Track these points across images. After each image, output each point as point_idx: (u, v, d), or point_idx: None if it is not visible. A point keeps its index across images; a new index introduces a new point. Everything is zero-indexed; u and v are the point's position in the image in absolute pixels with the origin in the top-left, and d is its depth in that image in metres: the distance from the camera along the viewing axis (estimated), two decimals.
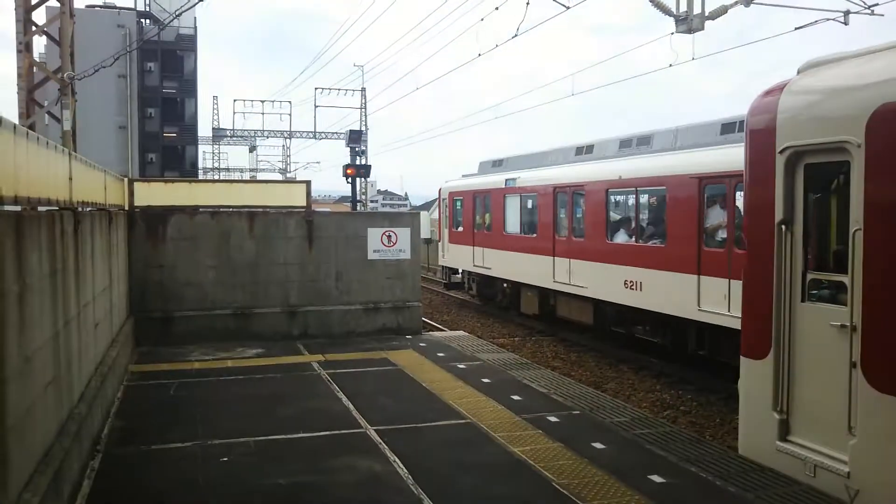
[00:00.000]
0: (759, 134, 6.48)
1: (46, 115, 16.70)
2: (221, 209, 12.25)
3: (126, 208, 11.53)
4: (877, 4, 11.53)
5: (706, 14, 10.71)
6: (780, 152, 6.16)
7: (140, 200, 11.84)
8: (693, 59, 12.97)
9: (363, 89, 54.90)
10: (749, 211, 6.83)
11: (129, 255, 11.42)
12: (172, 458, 6.45)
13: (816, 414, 5.98)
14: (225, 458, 6.45)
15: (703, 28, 10.81)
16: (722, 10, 10.79)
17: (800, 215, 6.14)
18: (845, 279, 5.64)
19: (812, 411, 6.03)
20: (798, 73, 6.37)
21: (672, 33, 11.08)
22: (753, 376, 6.57)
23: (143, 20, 50.14)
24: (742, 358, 6.74)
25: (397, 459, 6.37)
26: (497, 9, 13.58)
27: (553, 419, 7.59)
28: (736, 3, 10.47)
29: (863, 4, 11.53)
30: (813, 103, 6.12)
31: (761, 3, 10.51)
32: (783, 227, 6.17)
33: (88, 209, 7.48)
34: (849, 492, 5.53)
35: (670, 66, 13.69)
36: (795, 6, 11.98)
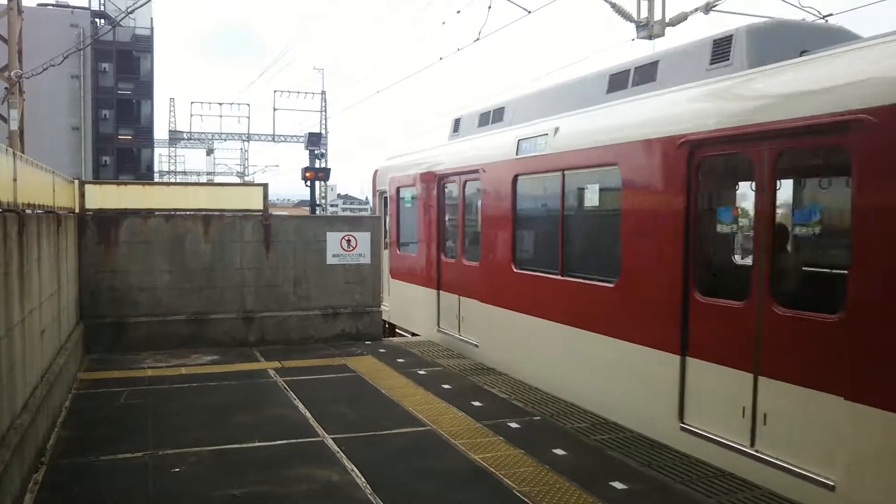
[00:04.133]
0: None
1: None
2: (176, 213, 11.98)
3: (77, 211, 11.21)
4: (831, 15, 11.71)
5: (667, 20, 10.79)
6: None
7: (92, 203, 11.51)
8: None
9: (323, 92, 54.63)
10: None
11: (80, 260, 11.10)
12: (121, 470, 6.23)
13: None
14: (177, 469, 6.24)
15: (663, 34, 10.89)
16: (682, 17, 10.88)
17: None
18: None
19: None
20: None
21: (633, 39, 11.13)
22: None
23: (97, 20, 49.21)
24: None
25: (355, 468, 6.23)
26: (458, 12, 13.53)
27: (514, 425, 7.52)
28: (696, 10, 10.54)
29: (817, 14, 11.69)
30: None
31: (720, 11, 10.59)
32: None
33: (35, 212, 7.22)
34: None
35: None
36: (753, 14, 12.10)
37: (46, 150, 34.87)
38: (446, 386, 9.18)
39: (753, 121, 6.21)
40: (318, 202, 21.50)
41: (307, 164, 30.85)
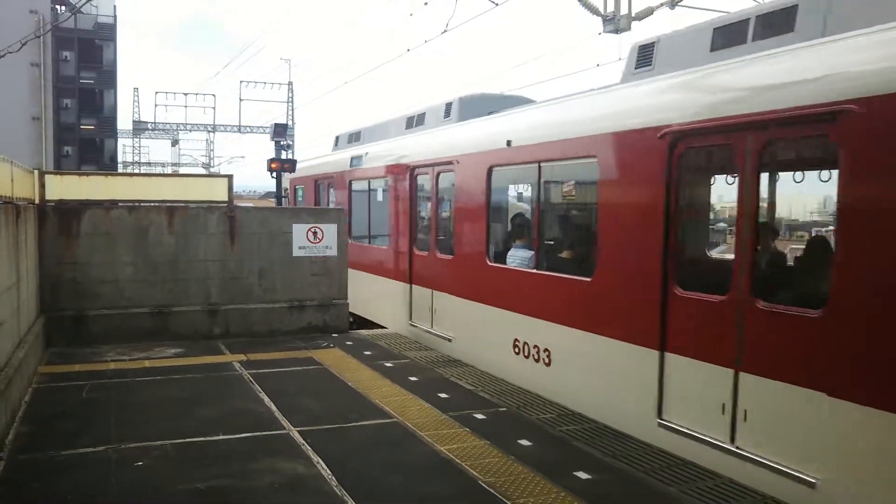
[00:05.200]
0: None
1: None
2: (140, 204, 11.81)
3: (37, 202, 10.99)
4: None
5: (633, 15, 10.86)
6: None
7: (52, 194, 11.29)
8: (620, 59, 13.13)
9: (290, 83, 54.21)
10: None
11: (40, 251, 10.89)
12: (83, 464, 6.14)
13: None
14: (140, 463, 6.17)
15: (629, 28, 10.97)
16: (648, 12, 10.96)
17: None
18: None
19: None
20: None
21: (600, 33, 11.19)
22: None
23: (57, 6, 48.16)
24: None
25: (321, 461, 6.21)
26: (426, 4, 13.49)
27: (480, 417, 7.55)
28: (661, 5, 10.63)
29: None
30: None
31: (686, 6, 10.70)
32: None
33: None
34: None
35: (597, 66, 13.85)
36: (719, 10, 12.24)
37: (6, 140, 34.16)
38: (413, 378, 9.18)
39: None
40: (283, 194, 21.32)
41: (273, 155, 30.57)
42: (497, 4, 12.15)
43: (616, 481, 5.91)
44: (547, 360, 8.65)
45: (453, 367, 9.92)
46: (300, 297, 12.36)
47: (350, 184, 15.19)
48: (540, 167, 8.81)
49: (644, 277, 6.99)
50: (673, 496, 5.62)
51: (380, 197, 14.11)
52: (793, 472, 5.50)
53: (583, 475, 5.95)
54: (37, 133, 46.45)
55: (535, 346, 8.87)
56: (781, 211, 6.37)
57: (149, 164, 76.36)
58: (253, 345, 11.29)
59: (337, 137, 17.47)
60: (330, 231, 12.42)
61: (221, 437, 6.86)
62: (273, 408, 7.83)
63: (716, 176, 8.13)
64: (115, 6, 52.43)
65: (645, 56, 8.13)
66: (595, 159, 7.72)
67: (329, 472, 5.97)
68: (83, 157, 51.06)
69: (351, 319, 13.50)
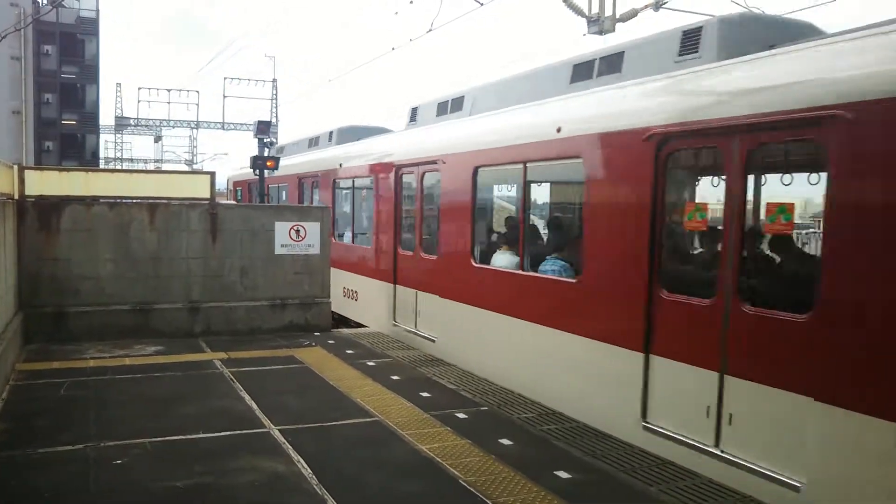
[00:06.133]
0: None
1: None
2: (121, 200, 11.73)
3: (16, 197, 10.89)
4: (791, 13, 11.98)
5: (617, 16, 10.91)
6: None
7: (32, 189, 11.19)
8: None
9: (274, 80, 54.04)
10: None
11: (19, 247, 10.79)
12: (61, 462, 6.09)
13: None
14: (119, 461, 6.13)
15: (613, 30, 11.01)
16: (632, 13, 11.00)
17: None
18: None
19: None
20: None
21: (584, 34, 11.23)
22: None
23: (39, 0, 47.64)
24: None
25: (301, 459, 6.20)
26: (411, 2, 13.48)
27: (461, 416, 7.56)
28: (646, 7, 10.68)
29: (761, 13, 11.96)
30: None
31: (670, 8, 10.76)
32: None
33: None
34: None
35: None
36: (702, 12, 12.32)
37: None
38: (395, 377, 9.18)
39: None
40: (266, 191, 21.26)
41: (256, 152, 30.52)
42: (482, 4, 12.17)
43: (596, 480, 5.93)
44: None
45: (435, 367, 9.93)
46: (282, 296, 12.32)
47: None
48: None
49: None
50: (653, 496, 5.66)
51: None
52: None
53: (563, 474, 5.98)
54: (17, 127, 45.93)
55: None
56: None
57: (131, 160, 75.81)
58: (234, 343, 11.24)
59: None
60: (313, 229, 12.39)
61: (201, 435, 6.83)
62: (254, 406, 7.80)
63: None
64: (97, 0, 52.01)
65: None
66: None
67: (310, 470, 5.95)
68: (64, 153, 50.63)
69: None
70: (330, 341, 11.56)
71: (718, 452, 6.05)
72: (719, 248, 6.38)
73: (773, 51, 6.30)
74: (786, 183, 6.77)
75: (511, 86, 10.27)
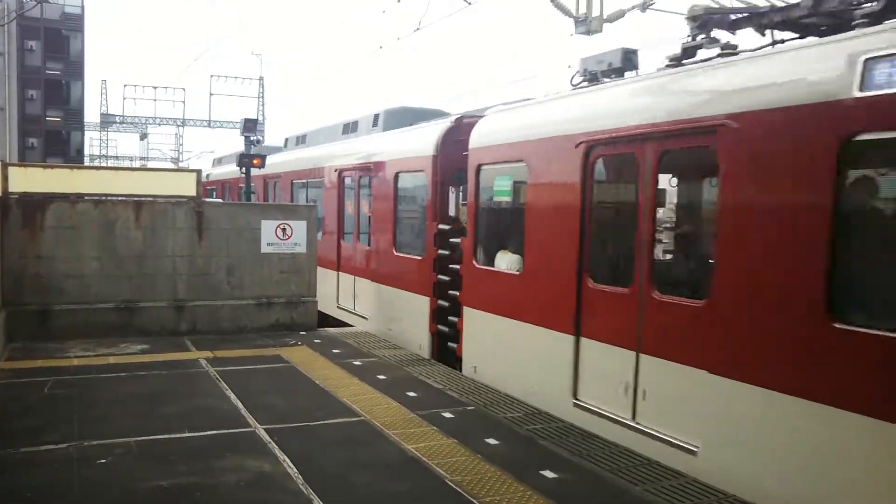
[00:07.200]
0: None
1: None
2: (106, 198, 11.66)
3: None
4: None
5: (604, 17, 10.91)
6: None
7: (16, 186, 11.10)
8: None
9: (261, 78, 53.87)
10: None
11: (3, 245, 10.70)
12: (44, 461, 6.04)
13: None
14: (103, 460, 6.09)
15: (601, 30, 11.00)
16: (620, 14, 11.01)
17: None
18: None
19: None
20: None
21: (571, 35, 11.24)
22: None
23: None
24: None
25: (287, 459, 6.18)
26: (399, 1, 13.47)
27: (448, 415, 7.57)
28: (633, 8, 10.69)
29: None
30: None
31: (657, 9, 10.76)
32: None
33: None
34: None
35: (569, 67, 13.89)
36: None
37: None
38: (382, 376, 9.17)
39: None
40: (252, 189, 21.15)
41: (243, 150, 30.46)
42: (470, 3, 12.17)
43: (582, 480, 5.96)
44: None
45: (422, 366, 9.93)
46: (268, 294, 12.29)
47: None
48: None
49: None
50: (637, 495, 5.68)
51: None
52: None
53: (549, 474, 5.99)
54: (0, 124, 45.58)
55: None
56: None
57: (116, 157, 75.34)
58: (220, 342, 11.20)
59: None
60: (299, 228, 12.36)
61: (186, 434, 6.80)
62: (239, 405, 7.77)
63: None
64: None
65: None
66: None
67: (295, 470, 5.94)
68: (49, 150, 50.25)
69: None
70: (316, 340, 11.54)
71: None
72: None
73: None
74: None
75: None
